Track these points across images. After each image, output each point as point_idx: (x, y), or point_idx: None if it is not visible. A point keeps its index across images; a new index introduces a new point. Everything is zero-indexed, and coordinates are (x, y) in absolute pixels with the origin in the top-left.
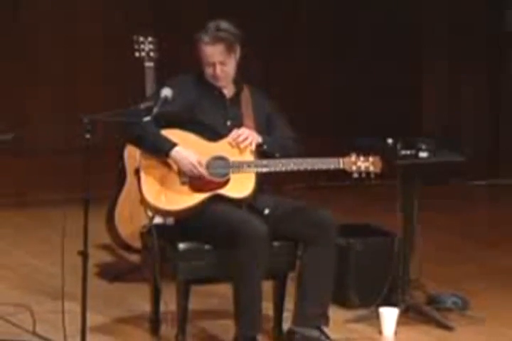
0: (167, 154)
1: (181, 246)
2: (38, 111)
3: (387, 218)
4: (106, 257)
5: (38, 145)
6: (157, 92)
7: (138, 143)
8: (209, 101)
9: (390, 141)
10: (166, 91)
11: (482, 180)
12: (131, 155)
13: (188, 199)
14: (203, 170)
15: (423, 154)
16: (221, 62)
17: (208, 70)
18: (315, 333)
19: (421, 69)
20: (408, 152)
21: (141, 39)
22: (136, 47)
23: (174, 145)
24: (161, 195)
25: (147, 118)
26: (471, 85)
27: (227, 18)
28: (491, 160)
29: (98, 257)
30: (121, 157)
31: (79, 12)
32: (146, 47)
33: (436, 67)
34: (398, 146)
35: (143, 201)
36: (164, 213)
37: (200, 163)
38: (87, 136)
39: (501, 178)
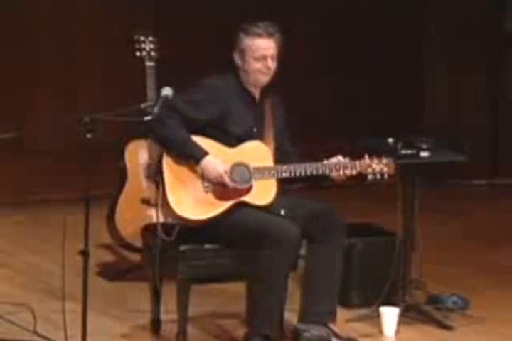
0: (197, 162)
1: (182, 246)
2: (38, 110)
3: (388, 218)
4: (106, 256)
5: (38, 144)
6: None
7: (165, 143)
8: (241, 108)
9: (390, 140)
10: (167, 91)
11: (482, 180)
12: (132, 153)
13: (213, 207)
14: (228, 181)
15: (424, 154)
16: (272, 57)
17: (256, 65)
18: (322, 330)
19: (421, 69)
20: (409, 151)
21: (142, 38)
22: (136, 46)
23: (206, 153)
24: (186, 203)
25: (148, 118)
26: (470, 85)
27: (227, 18)
28: (490, 160)
29: (99, 256)
30: (122, 156)
31: (79, 12)
32: (147, 46)
33: (436, 67)
34: (399, 146)
35: (169, 210)
36: (189, 222)
37: (226, 172)
38: (88, 135)
39: (501, 178)
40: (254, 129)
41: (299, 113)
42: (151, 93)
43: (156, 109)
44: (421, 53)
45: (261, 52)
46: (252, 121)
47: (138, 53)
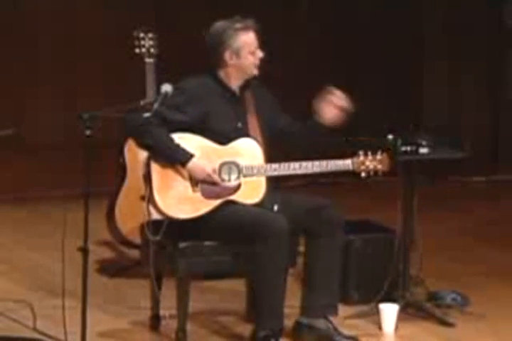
0: (184, 165)
1: (181, 243)
2: (38, 110)
3: (387, 214)
4: (106, 253)
5: (38, 141)
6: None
7: (151, 150)
8: (222, 106)
9: (390, 137)
10: (166, 87)
11: (481, 177)
12: (132, 150)
13: (200, 206)
14: (217, 179)
15: (423, 150)
16: (260, 47)
17: (252, 59)
18: (323, 324)
19: (421, 69)
20: (408, 148)
21: (142, 35)
22: (136, 43)
23: (191, 156)
24: (174, 202)
25: (147, 114)
26: (471, 85)
27: (227, 15)
28: (490, 157)
29: (98, 253)
30: (121, 152)
31: (79, 11)
32: (147, 43)
33: (436, 67)
34: (398, 142)
35: (157, 208)
36: (175, 220)
37: (214, 171)
38: (87, 132)
39: (501, 174)
40: (239, 124)
41: (298, 113)
42: (150, 90)
43: (155, 106)
44: (421, 53)
45: (254, 45)
46: (235, 116)
47: (137, 50)
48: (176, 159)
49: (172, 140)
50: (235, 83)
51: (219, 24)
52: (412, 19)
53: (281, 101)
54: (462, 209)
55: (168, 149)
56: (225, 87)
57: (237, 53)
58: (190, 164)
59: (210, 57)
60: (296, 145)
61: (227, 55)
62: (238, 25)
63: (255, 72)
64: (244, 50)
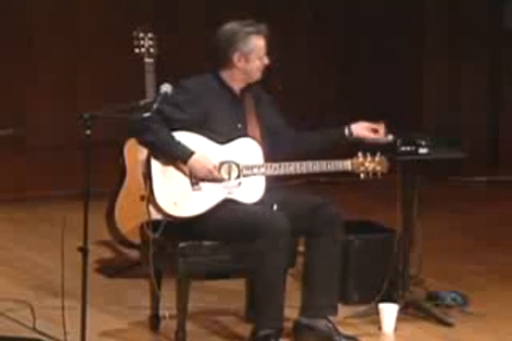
0: (185, 162)
1: (181, 242)
2: (38, 110)
3: (387, 214)
4: (106, 253)
5: (38, 141)
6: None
7: (152, 147)
8: (223, 106)
9: (390, 137)
10: (166, 87)
11: (482, 177)
12: (131, 151)
13: (200, 205)
14: (218, 176)
15: (423, 150)
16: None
17: (259, 64)
18: (322, 324)
19: (421, 69)
20: (408, 148)
21: (141, 35)
22: (135, 43)
23: (192, 153)
24: (174, 200)
25: (147, 114)
26: (471, 85)
27: (227, 15)
28: (490, 157)
29: (98, 253)
30: (121, 153)
31: (78, 11)
32: (146, 43)
33: (437, 67)
34: (398, 142)
35: (157, 207)
36: (175, 218)
37: (215, 168)
38: (87, 132)
39: (501, 175)
40: (239, 125)
41: (298, 113)
42: (150, 90)
43: (155, 106)
44: (421, 53)
45: (263, 50)
46: (236, 117)
47: (137, 50)
48: (177, 156)
49: (173, 137)
50: (237, 85)
51: (231, 25)
52: (413, 19)
53: (281, 101)
54: (462, 209)
55: (169, 146)
56: (226, 88)
57: (246, 56)
58: (191, 161)
59: (215, 57)
60: (281, 150)
61: (235, 57)
62: (251, 29)
63: (259, 76)
64: (254, 54)
